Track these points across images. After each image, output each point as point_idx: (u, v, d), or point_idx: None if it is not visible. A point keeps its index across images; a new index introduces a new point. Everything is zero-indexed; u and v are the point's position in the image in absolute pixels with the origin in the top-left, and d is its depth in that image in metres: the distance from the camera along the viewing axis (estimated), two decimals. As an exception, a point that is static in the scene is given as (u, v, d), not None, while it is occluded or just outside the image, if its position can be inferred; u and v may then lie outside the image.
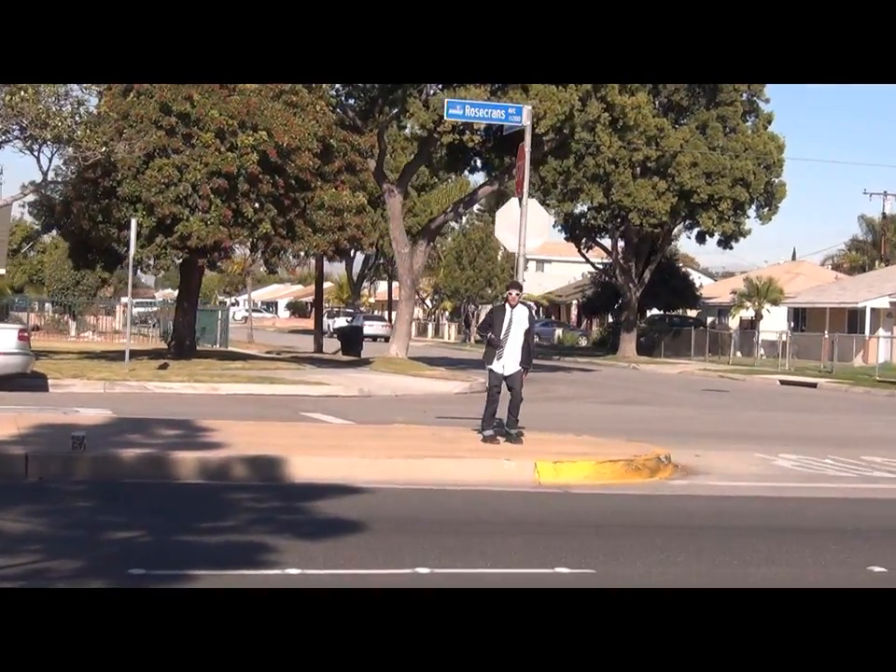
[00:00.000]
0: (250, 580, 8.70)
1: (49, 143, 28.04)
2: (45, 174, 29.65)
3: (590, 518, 12.73)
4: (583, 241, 66.43)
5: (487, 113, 19.21)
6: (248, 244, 35.27)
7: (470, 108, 19.05)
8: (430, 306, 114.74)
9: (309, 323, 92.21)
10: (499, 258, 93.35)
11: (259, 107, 32.06)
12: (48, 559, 9.09)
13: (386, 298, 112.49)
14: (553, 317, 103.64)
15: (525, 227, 18.61)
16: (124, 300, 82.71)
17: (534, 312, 17.91)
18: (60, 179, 31.99)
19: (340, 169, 35.21)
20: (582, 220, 64.34)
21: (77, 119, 28.41)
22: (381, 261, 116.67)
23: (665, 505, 13.99)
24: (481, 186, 46.06)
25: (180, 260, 34.34)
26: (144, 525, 10.96)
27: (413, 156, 46.34)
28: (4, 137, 28.76)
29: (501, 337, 17.04)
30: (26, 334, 26.41)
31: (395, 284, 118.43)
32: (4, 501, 11.95)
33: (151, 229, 31.94)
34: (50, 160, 29.36)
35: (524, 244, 18.64)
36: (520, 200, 18.79)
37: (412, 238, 43.60)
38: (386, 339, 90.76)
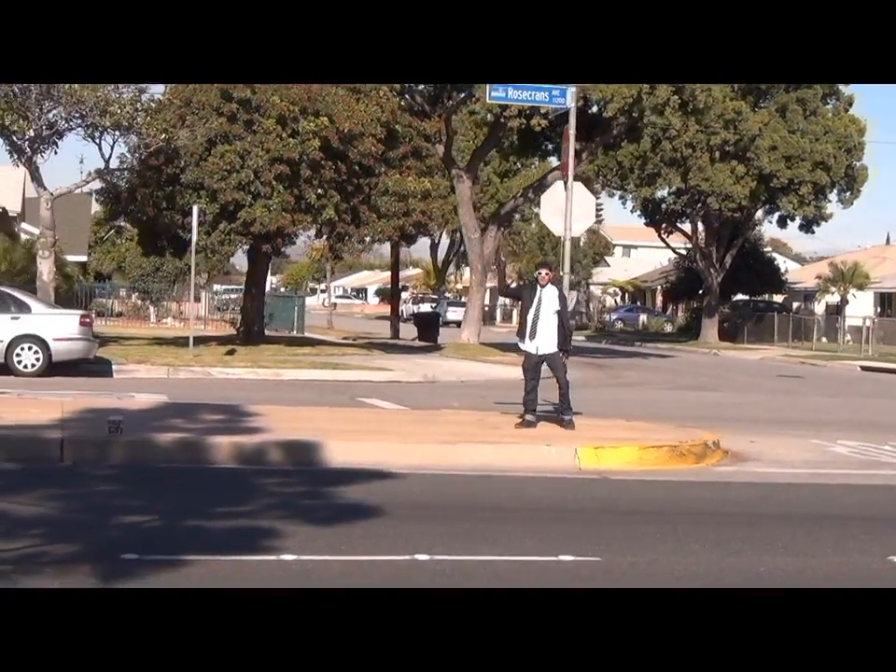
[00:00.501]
0: (242, 565, 8.55)
1: (109, 130, 28.14)
2: (107, 161, 29.87)
3: (618, 505, 12.46)
4: (664, 226, 65.76)
5: (530, 95, 18.91)
6: (312, 230, 35.21)
7: (513, 91, 18.74)
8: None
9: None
10: (581, 243, 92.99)
11: (320, 93, 31.98)
12: (45, 543, 9.01)
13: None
14: (638, 303, 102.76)
15: (571, 211, 18.30)
16: (218, 286, 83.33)
17: (566, 293, 17.58)
18: (125, 166, 32.09)
19: (405, 154, 35.05)
20: (663, 205, 63.76)
21: (138, 106, 28.52)
22: (465, 247, 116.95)
23: (701, 492, 13.67)
24: (551, 170, 45.64)
25: (247, 247, 34.38)
26: (158, 509, 10.86)
27: (482, 141, 46.02)
28: (67, 125, 28.95)
29: (531, 317, 16.78)
30: (88, 320, 26.57)
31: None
32: (28, 484, 11.93)
33: (215, 215, 31.99)
34: (112, 147, 29.54)
35: (569, 227, 18.35)
36: (565, 183, 18.50)
37: (484, 224, 43.35)
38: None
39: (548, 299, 16.79)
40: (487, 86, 18.53)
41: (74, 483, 12.27)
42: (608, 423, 18.98)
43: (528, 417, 16.92)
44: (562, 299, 17.03)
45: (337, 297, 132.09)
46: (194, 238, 29.77)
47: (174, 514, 10.54)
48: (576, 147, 41.64)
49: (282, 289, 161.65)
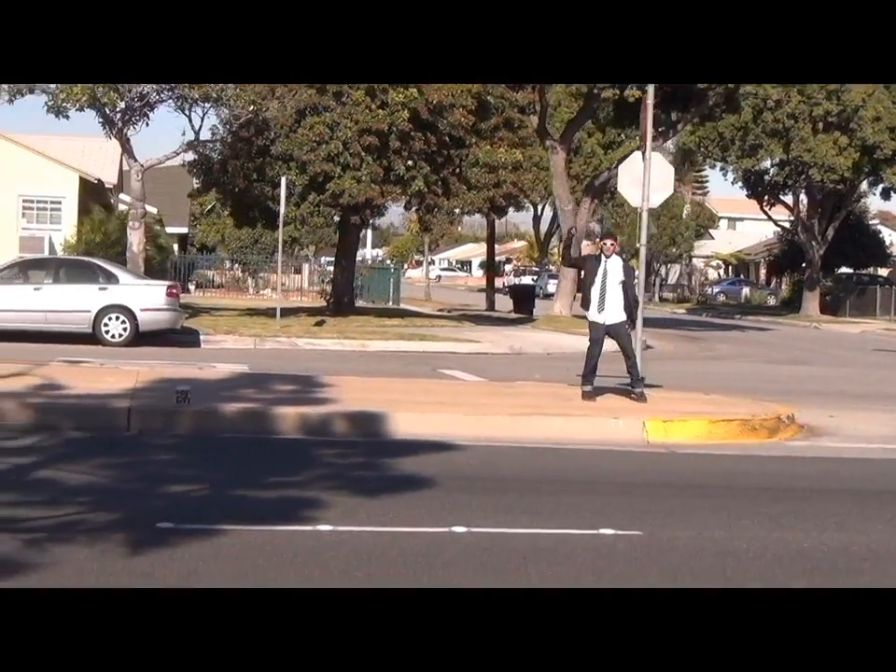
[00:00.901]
0: (275, 535, 8.52)
1: (199, 102, 28.33)
2: (197, 133, 30.06)
3: (679, 478, 12.27)
4: (766, 198, 64.86)
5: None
6: (402, 201, 35.19)
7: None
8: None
9: (500, 281, 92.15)
10: (684, 215, 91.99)
11: (410, 64, 31.83)
12: (86, 511, 9.07)
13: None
14: (741, 276, 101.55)
15: (649, 181, 18.06)
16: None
17: (630, 264, 17.43)
18: (216, 138, 32.29)
19: (497, 126, 34.89)
20: (766, 177, 62.93)
21: (229, 77, 28.65)
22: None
23: (767, 466, 13.41)
24: (613, 142, 45.23)
25: (338, 219, 34.47)
26: (209, 478, 10.92)
27: (577, 112, 45.68)
28: (157, 97, 29.19)
29: (597, 288, 16.65)
30: (175, 291, 26.82)
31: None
32: (87, 453, 12.05)
33: (304, 187, 32.10)
34: (202, 119, 29.74)
35: (646, 198, 18.10)
36: (643, 154, 18.25)
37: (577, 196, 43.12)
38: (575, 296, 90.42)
39: (613, 270, 16.67)
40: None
41: (133, 452, 12.36)
42: (684, 396, 18.76)
43: (587, 388, 16.82)
44: (627, 270, 16.89)
45: (442, 269, 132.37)
46: (282, 209, 29.89)
47: (223, 484, 10.56)
48: (672, 117, 41.33)
49: (387, 262, 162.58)
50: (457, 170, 33.54)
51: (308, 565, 7.70)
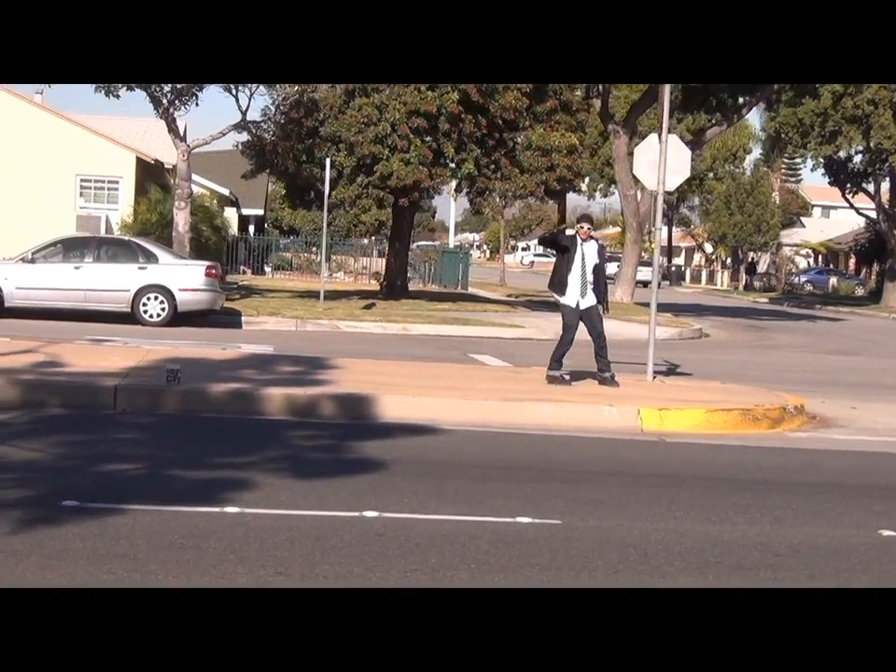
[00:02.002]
0: (175, 516, 8.37)
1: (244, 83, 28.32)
2: (244, 113, 30.02)
3: (646, 467, 11.94)
4: (847, 186, 63.77)
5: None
6: (452, 184, 34.95)
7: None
8: (707, 252, 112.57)
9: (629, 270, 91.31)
10: (771, 201, 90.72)
11: (461, 46, 31.60)
12: (3, 489, 8.99)
13: (674, 243, 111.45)
14: (830, 266, 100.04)
15: (665, 164, 17.70)
16: (421, 244, 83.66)
17: (604, 248, 17.19)
18: (267, 119, 32.26)
19: (553, 109, 34.51)
20: (849, 165, 61.91)
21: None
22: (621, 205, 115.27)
23: (751, 457, 13.04)
24: (709, 126, 44.55)
25: (392, 202, 34.33)
26: (155, 457, 10.83)
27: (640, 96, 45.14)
28: (207, 77, 29.17)
29: (575, 274, 16.42)
30: (214, 271, 26.82)
31: (675, 229, 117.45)
32: (53, 430, 12.02)
33: (352, 169, 31.99)
34: (249, 100, 29.72)
35: (662, 181, 17.74)
36: (659, 135, 17.87)
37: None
38: (658, 284, 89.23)
39: (589, 254, 16.48)
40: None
41: (101, 430, 12.29)
42: (700, 384, 18.44)
43: (553, 373, 16.60)
44: (601, 253, 16.75)
45: (535, 255, 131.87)
46: (327, 191, 29.82)
47: (166, 463, 10.46)
48: (739, 102, 40.76)
49: (483, 247, 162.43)
50: (510, 153, 33.22)
51: (185, 547, 7.55)
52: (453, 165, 32.42)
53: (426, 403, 14.56)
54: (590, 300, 16.70)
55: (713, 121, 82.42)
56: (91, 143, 35.55)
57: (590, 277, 16.55)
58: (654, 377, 18.13)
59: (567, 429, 13.93)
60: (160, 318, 25.95)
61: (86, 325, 24.74)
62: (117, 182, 35.66)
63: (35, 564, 7.00)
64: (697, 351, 28.33)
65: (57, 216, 33.92)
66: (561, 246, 16.83)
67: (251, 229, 64.62)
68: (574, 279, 16.54)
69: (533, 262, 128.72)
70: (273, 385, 14.83)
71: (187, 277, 26.34)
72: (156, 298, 26.01)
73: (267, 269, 59.07)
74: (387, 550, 7.76)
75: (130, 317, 25.97)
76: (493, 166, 33.29)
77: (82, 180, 35.58)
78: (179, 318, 26.30)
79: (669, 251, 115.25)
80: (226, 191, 57.37)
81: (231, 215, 65.20)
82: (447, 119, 31.60)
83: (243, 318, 28.16)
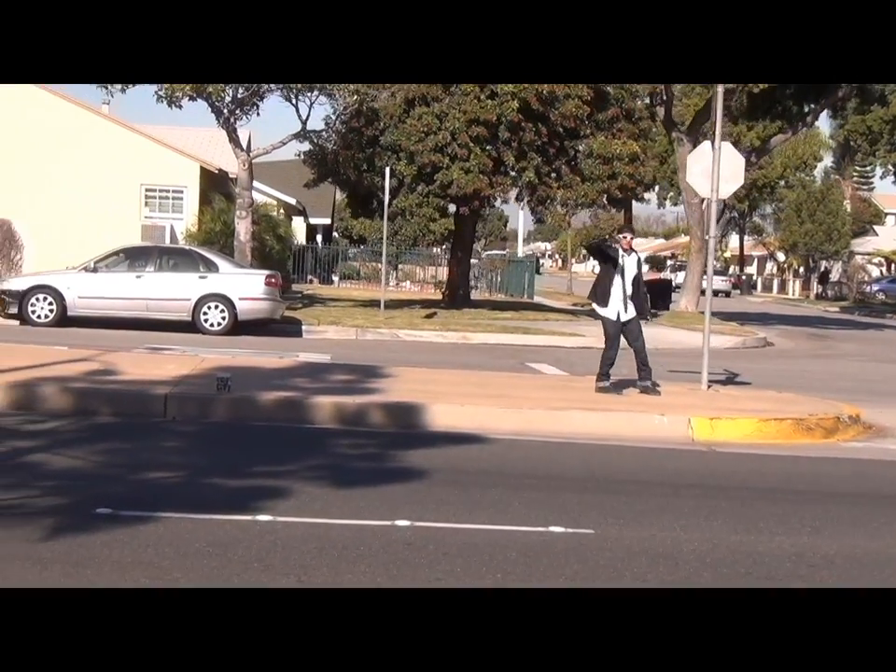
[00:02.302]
0: (208, 524, 8.39)
1: (303, 92, 28.45)
2: (304, 123, 30.14)
3: (690, 477, 11.82)
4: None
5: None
6: (512, 192, 34.90)
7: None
8: (779, 261, 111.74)
9: (665, 277, 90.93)
10: (842, 210, 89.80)
11: (522, 54, 31.54)
12: (38, 495, 9.06)
13: (743, 252, 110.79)
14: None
15: (718, 172, 17.56)
16: (490, 252, 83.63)
17: (641, 260, 17.15)
18: (328, 128, 32.38)
19: (616, 117, 34.38)
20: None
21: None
22: (732, 215, 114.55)
23: (799, 467, 12.91)
24: (774, 134, 44.17)
25: (453, 211, 34.34)
26: (195, 465, 10.87)
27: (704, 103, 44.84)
28: (267, 87, 29.38)
29: (618, 286, 16.35)
30: (274, 280, 26.94)
31: (746, 237, 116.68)
32: (99, 438, 12.12)
33: (413, 178, 32.03)
34: (310, 109, 29.86)
35: (716, 189, 17.61)
36: (713, 142, 17.74)
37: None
38: (727, 294, 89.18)
39: (630, 266, 16.42)
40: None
41: (145, 438, 12.36)
42: (755, 394, 18.28)
43: (605, 384, 16.53)
44: (640, 265, 16.69)
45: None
46: (386, 200, 29.89)
47: (205, 471, 10.49)
48: (805, 110, 40.41)
49: (556, 255, 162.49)
50: (571, 161, 33.13)
51: (211, 555, 7.57)
52: (513, 174, 32.36)
53: (473, 412, 14.52)
54: (630, 312, 16.61)
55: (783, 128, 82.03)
56: (157, 153, 35.86)
57: (630, 289, 16.47)
58: (709, 386, 17.97)
59: (616, 439, 13.85)
60: (220, 327, 26.10)
61: (146, 334, 24.95)
62: (181, 191, 35.93)
63: (60, 571, 7.04)
64: (759, 360, 28.11)
65: (123, 225, 34.24)
66: (608, 256, 16.74)
67: (319, 238, 64.86)
68: (616, 291, 16.46)
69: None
70: (323, 394, 14.85)
71: (247, 286, 26.47)
72: (216, 307, 26.16)
73: (334, 278, 59.27)
74: (414, 559, 7.73)
75: (191, 326, 26.14)
76: (554, 174, 33.20)
77: (147, 190, 35.89)
78: (240, 327, 26.43)
79: (741, 260, 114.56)
80: (293, 201, 57.65)
81: (298, 224, 65.63)
82: (507, 127, 31.57)
83: (303, 327, 28.27)
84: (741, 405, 16.24)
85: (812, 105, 39.20)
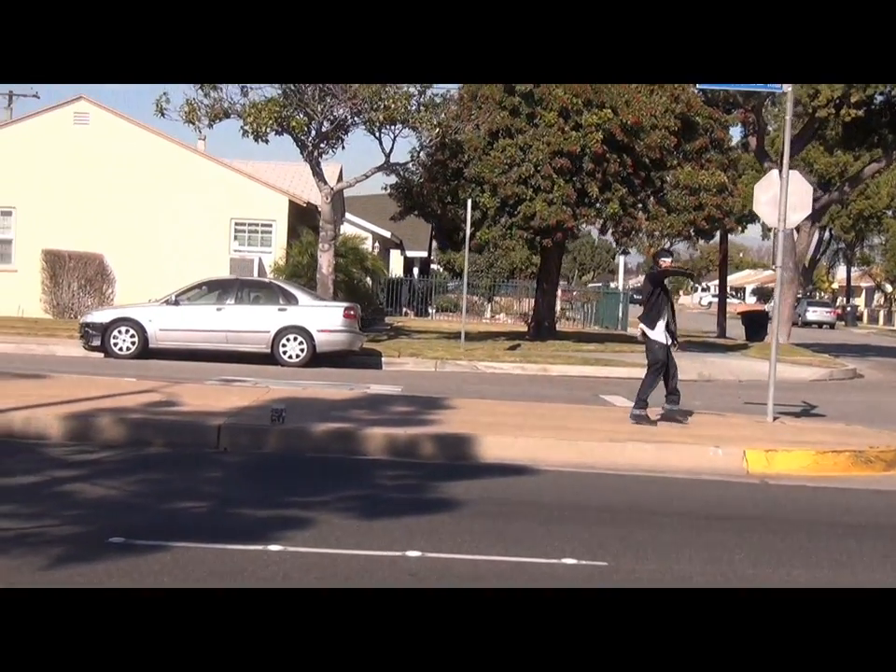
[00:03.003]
0: (219, 553, 8.42)
1: (385, 125, 28.61)
2: (387, 155, 30.29)
3: (731, 510, 11.63)
4: None
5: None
6: (597, 224, 34.73)
7: (724, 75, 17.69)
8: (887, 292, 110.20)
9: (760, 307, 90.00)
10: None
11: (605, 85, 31.50)
12: (60, 524, 9.13)
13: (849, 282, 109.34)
14: None
15: (786, 200, 17.33)
16: (593, 285, 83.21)
17: (778, 288, 17.20)
18: (412, 161, 32.50)
19: (704, 147, 34.11)
20: None
21: (419, 99, 28.85)
22: (839, 246, 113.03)
23: (853, 500, 12.63)
24: (868, 164, 43.53)
25: (540, 243, 34.25)
26: (227, 496, 10.92)
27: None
28: (351, 120, 29.60)
29: (666, 309, 16.30)
30: (352, 313, 27.04)
31: (854, 269, 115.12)
32: (142, 468, 12.22)
33: (496, 210, 32.03)
34: (393, 142, 29.99)
35: (783, 219, 17.38)
36: (780, 171, 17.53)
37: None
38: (831, 325, 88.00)
39: (668, 291, 16.49)
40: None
41: (187, 468, 12.43)
42: (822, 426, 18.02)
43: (643, 412, 16.45)
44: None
45: (713, 295, 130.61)
46: (468, 231, 29.95)
47: (235, 501, 10.54)
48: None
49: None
50: (656, 192, 32.92)
51: (208, 584, 7.57)
52: (598, 205, 32.22)
53: (527, 443, 14.43)
54: (670, 336, 16.60)
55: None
56: (246, 187, 36.26)
57: (670, 314, 16.50)
58: (776, 418, 17.69)
59: (670, 471, 13.70)
60: (299, 359, 26.25)
61: (225, 365, 25.18)
62: (270, 225, 36.26)
63: (50, 599, 7.08)
64: (842, 392, 27.67)
65: (212, 259, 34.64)
66: (661, 282, 16.66)
67: (415, 270, 65.10)
68: (666, 316, 16.39)
69: (711, 303, 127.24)
70: (377, 425, 14.86)
71: (325, 319, 26.61)
72: (295, 339, 26.33)
73: (431, 310, 59.39)
74: (409, 589, 7.67)
75: (270, 358, 26.31)
76: (639, 205, 33.02)
77: (237, 223, 36.28)
78: (319, 359, 26.55)
79: (848, 292, 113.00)
80: (388, 234, 57.95)
81: (395, 257, 65.98)
82: (591, 158, 31.46)
83: (383, 359, 28.33)
84: (804, 437, 15.98)
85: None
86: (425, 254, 66.22)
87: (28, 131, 36.42)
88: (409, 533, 9.37)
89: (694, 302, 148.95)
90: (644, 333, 16.84)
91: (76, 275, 35.58)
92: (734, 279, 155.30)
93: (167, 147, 36.46)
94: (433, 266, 74.35)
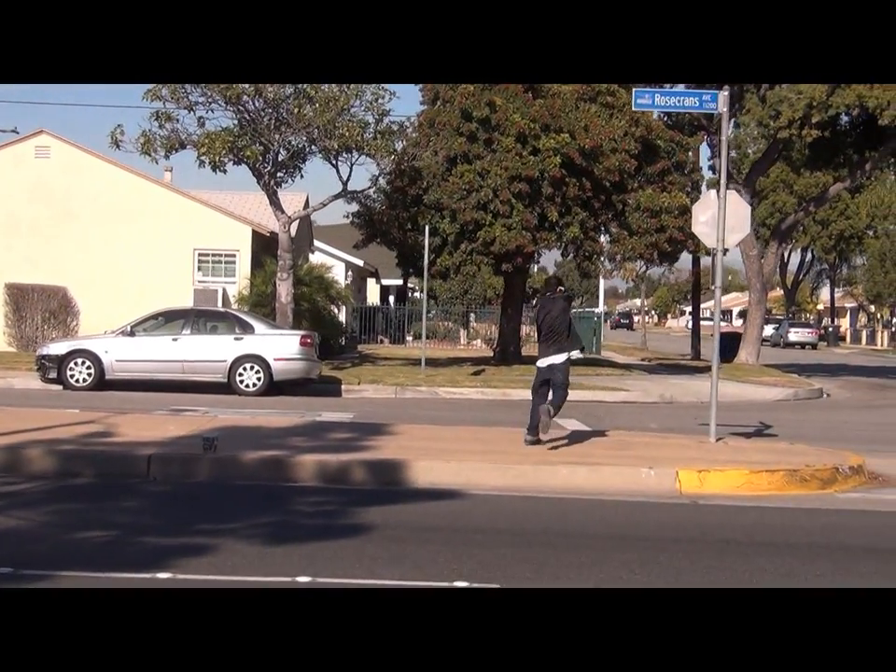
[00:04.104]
0: (108, 581, 8.34)
1: (340, 153, 28.61)
2: (345, 183, 30.25)
3: (654, 531, 11.57)
4: None
5: (679, 101, 17.81)
6: (556, 248, 34.71)
7: (660, 97, 17.73)
8: (869, 312, 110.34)
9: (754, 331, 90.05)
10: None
11: (563, 110, 31.54)
12: (-48, 555, 9.07)
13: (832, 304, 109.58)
14: None
15: (724, 221, 17.32)
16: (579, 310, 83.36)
17: (717, 307, 17.45)
18: (373, 187, 32.50)
19: (665, 169, 34.14)
20: None
21: (376, 127, 28.84)
22: (822, 266, 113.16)
23: (774, 519, 12.58)
24: (833, 184, 43.63)
25: (495, 268, 34.22)
26: (137, 524, 10.84)
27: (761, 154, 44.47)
28: (309, 148, 29.61)
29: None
30: (308, 340, 26.98)
31: (837, 289, 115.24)
32: (59, 498, 12.16)
33: (455, 235, 32.00)
34: (350, 169, 29.97)
35: (721, 239, 17.36)
36: (718, 192, 17.52)
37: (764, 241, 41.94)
38: (814, 346, 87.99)
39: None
40: (633, 93, 17.65)
41: (107, 499, 12.33)
42: (763, 445, 18.04)
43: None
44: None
45: (701, 318, 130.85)
46: (426, 258, 29.94)
47: (141, 530, 10.46)
48: (867, 157, 39.84)
49: (652, 312, 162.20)
50: (617, 215, 32.92)
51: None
52: (558, 229, 32.21)
53: (459, 468, 14.38)
54: None
55: (874, 181, 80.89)
56: (209, 217, 36.20)
57: None
58: (719, 439, 17.64)
59: (602, 493, 13.65)
60: (256, 388, 26.17)
61: (181, 395, 25.10)
62: (234, 255, 36.20)
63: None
64: (803, 411, 27.67)
65: (176, 289, 34.57)
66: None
67: (391, 298, 65.06)
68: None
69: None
70: (311, 452, 14.80)
71: (281, 347, 26.56)
72: (252, 367, 26.26)
73: (408, 337, 59.30)
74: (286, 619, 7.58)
75: (227, 388, 26.23)
76: (601, 229, 33.02)
77: (200, 254, 36.22)
78: (277, 387, 26.47)
79: (832, 312, 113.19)
80: (360, 262, 57.92)
81: (371, 286, 65.94)
82: (550, 183, 31.45)
83: (343, 386, 28.26)
84: (743, 457, 15.94)
85: (872, 153, 38.65)
86: (400, 282, 66.15)
87: (-11, 165, 36.40)
88: (308, 559, 9.30)
89: (681, 325, 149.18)
90: (569, 358, 16.96)
91: (39, 308, 35.48)
92: (724, 301, 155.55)
93: (129, 179, 36.41)
94: (416, 293, 74.35)
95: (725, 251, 17.42)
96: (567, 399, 27.12)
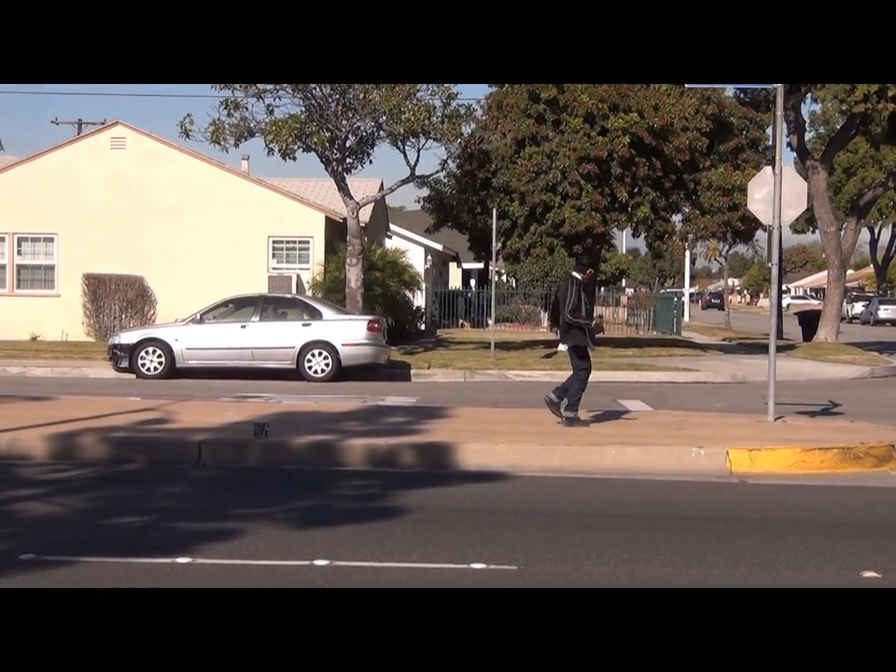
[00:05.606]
0: (128, 567, 8.40)
1: (407, 137, 28.61)
2: (412, 168, 30.25)
3: (695, 511, 11.45)
4: None
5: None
6: (627, 228, 34.45)
7: (715, 72, 17.44)
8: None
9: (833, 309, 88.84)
10: None
11: (631, 89, 31.29)
12: (-16, 542, 9.20)
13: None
14: None
15: (780, 197, 17.07)
16: (667, 290, 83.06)
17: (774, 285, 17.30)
18: (439, 173, 32.49)
19: (738, 147, 33.76)
20: None
21: (443, 111, 28.79)
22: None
23: (823, 498, 12.40)
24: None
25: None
26: (174, 509, 10.93)
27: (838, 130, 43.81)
28: (377, 133, 29.65)
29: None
30: (376, 325, 27.01)
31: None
32: (101, 485, 12.27)
33: (525, 218, 31.89)
34: (418, 154, 29.97)
35: (778, 216, 17.12)
36: (773, 167, 17.27)
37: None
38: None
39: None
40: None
41: (152, 484, 12.42)
42: (822, 424, 17.84)
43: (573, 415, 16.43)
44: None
45: (793, 297, 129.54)
46: (494, 241, 29.86)
47: (176, 515, 10.54)
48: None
49: (744, 291, 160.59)
50: (689, 194, 32.61)
51: (89, 597, 7.55)
52: (629, 209, 31.99)
53: (508, 450, 14.32)
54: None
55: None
56: (283, 205, 36.36)
57: None
58: (778, 417, 17.42)
59: (651, 473, 13.52)
60: (324, 374, 26.25)
61: (248, 383, 25.25)
62: (307, 242, 36.33)
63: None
64: (877, 389, 27.25)
65: (251, 277, 34.76)
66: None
67: (472, 282, 65.04)
68: None
69: (789, 305, 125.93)
70: (362, 437, 14.83)
71: (349, 332, 26.61)
72: (320, 353, 26.34)
73: (490, 321, 59.19)
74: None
75: (296, 374, 26.34)
76: (672, 208, 32.74)
77: (274, 241, 36.40)
78: (345, 373, 26.53)
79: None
80: (439, 247, 57.94)
81: (453, 270, 65.97)
82: (619, 163, 31.22)
83: (412, 371, 28.28)
84: (798, 435, 15.73)
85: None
86: (481, 265, 66.10)
87: (66, 157, 36.80)
88: (331, 542, 9.30)
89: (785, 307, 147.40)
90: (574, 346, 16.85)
91: (117, 298, 35.86)
92: (815, 279, 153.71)
93: (202, 168, 36.68)
94: (503, 276, 74.23)
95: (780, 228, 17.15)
96: (637, 381, 27.14)
